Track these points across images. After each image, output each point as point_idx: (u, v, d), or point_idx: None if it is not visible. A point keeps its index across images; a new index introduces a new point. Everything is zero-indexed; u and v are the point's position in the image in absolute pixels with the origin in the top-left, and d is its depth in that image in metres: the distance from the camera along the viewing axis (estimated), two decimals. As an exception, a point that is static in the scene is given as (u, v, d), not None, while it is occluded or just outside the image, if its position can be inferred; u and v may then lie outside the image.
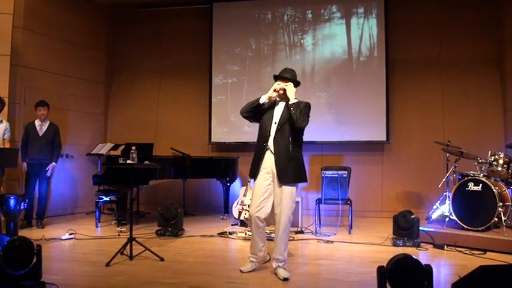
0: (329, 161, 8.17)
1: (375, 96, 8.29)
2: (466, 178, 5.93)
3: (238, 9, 9.06)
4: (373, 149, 8.47)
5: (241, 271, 4.44)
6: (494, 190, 5.54)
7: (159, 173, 7.11)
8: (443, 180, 6.76)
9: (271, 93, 4.44)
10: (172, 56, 9.56)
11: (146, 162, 5.95)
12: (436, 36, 8.41)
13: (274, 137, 4.36)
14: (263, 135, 4.46)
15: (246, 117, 4.60)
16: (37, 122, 7.01)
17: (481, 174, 5.89)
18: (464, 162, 6.84)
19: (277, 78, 4.51)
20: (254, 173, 4.45)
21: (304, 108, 4.34)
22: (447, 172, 6.77)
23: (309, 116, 4.39)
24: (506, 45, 7.92)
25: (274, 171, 4.31)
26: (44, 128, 7.02)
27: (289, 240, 4.50)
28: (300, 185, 4.56)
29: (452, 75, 8.31)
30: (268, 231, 6.29)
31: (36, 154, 6.90)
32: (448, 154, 6.80)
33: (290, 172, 4.30)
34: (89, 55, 8.95)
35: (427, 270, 3.06)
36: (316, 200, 6.85)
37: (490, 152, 6.16)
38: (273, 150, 4.35)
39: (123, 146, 8.21)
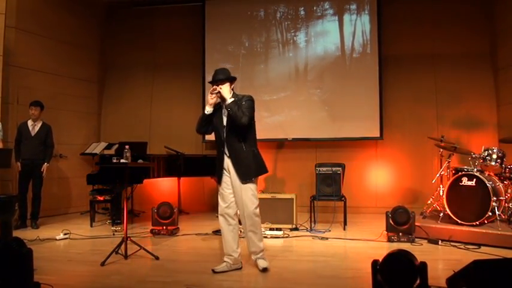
0: (323, 158, 8.17)
1: (368, 92, 8.30)
2: (459, 173, 5.94)
3: (230, 7, 9.03)
4: (367, 145, 8.49)
5: (213, 271, 4.37)
6: (488, 185, 5.56)
7: (153, 171, 7.10)
8: (437, 175, 6.78)
9: (210, 100, 4.40)
10: (165, 54, 9.54)
11: (140, 161, 5.94)
12: (428, 32, 8.43)
13: (227, 141, 4.41)
14: (218, 140, 4.51)
15: (203, 133, 4.67)
16: (29, 122, 6.99)
17: (475, 169, 5.90)
18: (457, 157, 6.88)
19: (212, 83, 4.45)
20: (219, 179, 4.53)
21: (245, 103, 4.33)
22: (441, 167, 6.79)
23: (253, 110, 4.37)
24: (499, 39, 7.96)
25: (233, 172, 4.37)
26: (37, 128, 7.00)
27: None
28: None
29: (445, 71, 8.34)
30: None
31: (29, 154, 6.88)
32: (441, 149, 6.82)
33: (249, 168, 4.35)
34: (82, 54, 8.92)
35: (422, 265, 3.07)
36: (311, 197, 6.85)
37: (483, 147, 6.20)
38: (228, 154, 4.41)
39: (116, 145, 8.19)
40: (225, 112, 4.41)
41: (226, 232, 4.48)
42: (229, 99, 4.30)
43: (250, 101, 4.39)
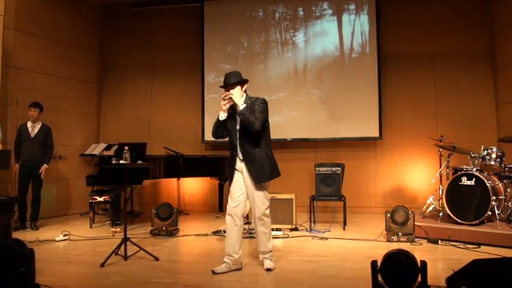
0: (322, 158, 8.17)
1: (367, 92, 8.30)
2: (459, 173, 5.94)
3: (229, 7, 9.03)
4: (366, 144, 8.48)
5: (213, 272, 4.34)
6: (487, 184, 5.56)
7: (152, 172, 7.10)
8: (437, 175, 6.77)
9: (223, 106, 4.38)
10: (165, 55, 9.53)
11: (139, 162, 5.93)
12: (427, 31, 8.43)
13: (240, 144, 4.40)
14: (231, 144, 4.50)
15: (219, 137, 4.60)
16: (29, 124, 6.98)
17: (474, 169, 5.90)
18: (457, 156, 6.87)
19: (223, 88, 4.42)
20: (231, 179, 4.52)
21: (258, 106, 4.31)
22: (440, 167, 6.79)
23: (266, 113, 4.36)
24: (497, 38, 7.96)
25: (246, 174, 4.38)
26: (36, 130, 6.99)
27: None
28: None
29: (444, 70, 8.34)
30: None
31: (29, 155, 6.87)
32: (441, 149, 6.81)
33: (263, 172, 4.35)
34: (81, 55, 8.90)
35: (421, 265, 3.07)
36: (310, 197, 6.85)
37: (482, 146, 6.19)
38: (241, 157, 4.40)
39: (116, 146, 8.20)
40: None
41: (231, 232, 4.42)
42: (241, 105, 4.26)
43: (264, 104, 4.36)
